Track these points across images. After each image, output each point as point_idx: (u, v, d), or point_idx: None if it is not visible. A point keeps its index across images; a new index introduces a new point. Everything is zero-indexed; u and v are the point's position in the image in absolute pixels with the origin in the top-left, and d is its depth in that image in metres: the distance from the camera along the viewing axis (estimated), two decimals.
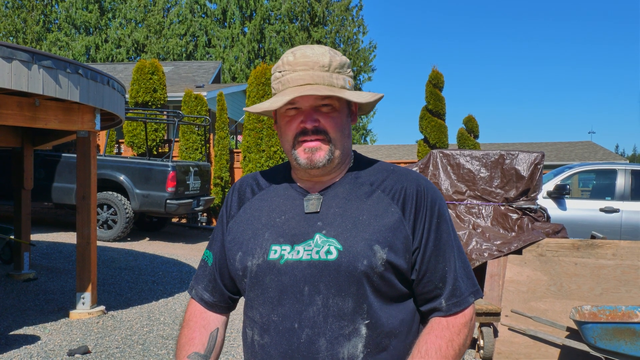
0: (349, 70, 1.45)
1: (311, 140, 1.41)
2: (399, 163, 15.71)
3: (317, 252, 1.35)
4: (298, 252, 1.37)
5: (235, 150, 15.09)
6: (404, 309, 1.40)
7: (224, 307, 1.59)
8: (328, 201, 1.43)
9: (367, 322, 1.34)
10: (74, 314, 5.97)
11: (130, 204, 10.72)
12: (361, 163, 1.52)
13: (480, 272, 6.12)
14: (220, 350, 1.56)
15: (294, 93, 1.37)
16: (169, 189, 10.58)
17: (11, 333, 5.43)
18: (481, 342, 5.35)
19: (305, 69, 1.39)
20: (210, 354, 1.50)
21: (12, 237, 7.70)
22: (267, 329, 1.38)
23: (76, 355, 4.89)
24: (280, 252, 1.39)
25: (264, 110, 1.46)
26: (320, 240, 1.36)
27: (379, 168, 1.49)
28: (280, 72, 1.43)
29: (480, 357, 5.37)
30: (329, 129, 1.41)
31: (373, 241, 1.34)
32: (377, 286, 1.34)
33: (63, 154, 10.92)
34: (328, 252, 1.35)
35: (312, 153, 1.41)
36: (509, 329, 5.21)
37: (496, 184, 6.60)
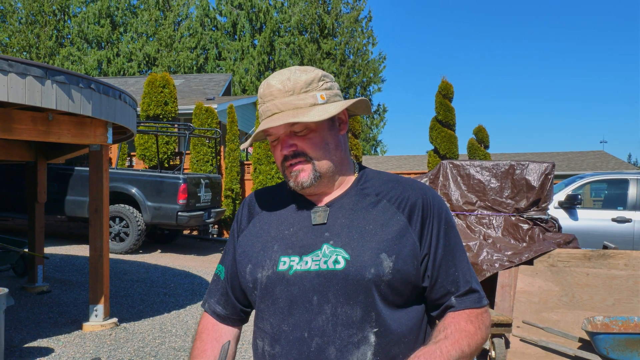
0: (322, 82, 1.47)
1: (294, 164, 1.46)
2: (409, 174, 15.70)
3: (325, 262, 1.38)
4: (306, 262, 1.40)
5: (246, 162, 15.16)
6: (412, 316, 1.42)
7: (236, 319, 1.62)
8: (335, 212, 1.45)
9: (375, 330, 1.35)
10: (87, 326, 6.01)
11: (142, 216, 10.79)
12: (367, 174, 1.55)
13: (491, 283, 6.10)
14: None
15: (260, 127, 1.45)
16: (181, 202, 10.64)
17: (25, 345, 5.48)
18: (493, 353, 5.33)
19: (270, 99, 1.45)
20: None
21: (26, 250, 7.78)
22: (278, 339, 1.40)
23: None
24: (289, 263, 1.41)
25: (253, 142, 1.54)
26: (328, 250, 1.39)
27: (384, 179, 1.52)
28: (259, 105, 1.51)
29: None
30: (307, 149, 1.45)
31: (380, 250, 1.37)
32: (385, 294, 1.36)
33: (76, 168, 11.02)
34: (336, 261, 1.37)
35: (296, 176, 1.46)
36: (521, 340, 5.19)
37: (507, 194, 6.60)
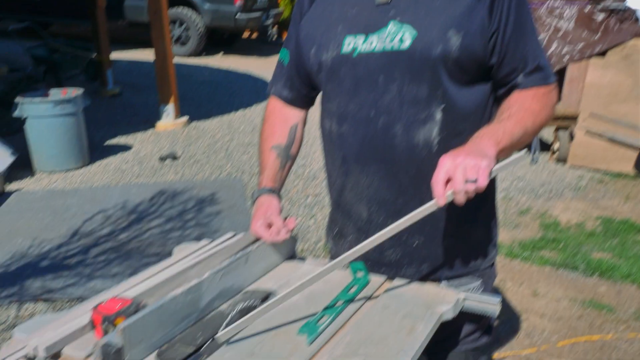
0: None
1: None
2: None
3: (391, 40, 1.35)
4: (371, 42, 1.37)
5: None
6: (478, 94, 1.41)
7: (303, 102, 1.64)
8: None
9: (442, 106, 1.35)
10: (160, 125, 6.31)
11: (201, 19, 10.71)
12: None
13: (559, 77, 5.95)
14: (299, 143, 1.65)
15: None
16: (238, 3, 10.45)
17: (105, 143, 5.85)
18: (556, 146, 5.37)
19: None
20: (291, 146, 1.61)
21: (94, 54, 7.97)
22: (345, 118, 1.43)
23: (166, 161, 5.26)
24: (353, 44, 1.39)
25: None
26: (395, 27, 1.35)
27: None
28: None
29: (554, 160, 5.42)
30: None
31: (447, 26, 1.32)
32: (452, 71, 1.34)
33: None
34: (402, 40, 1.34)
35: None
36: (586, 133, 5.18)
37: None
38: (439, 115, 1.36)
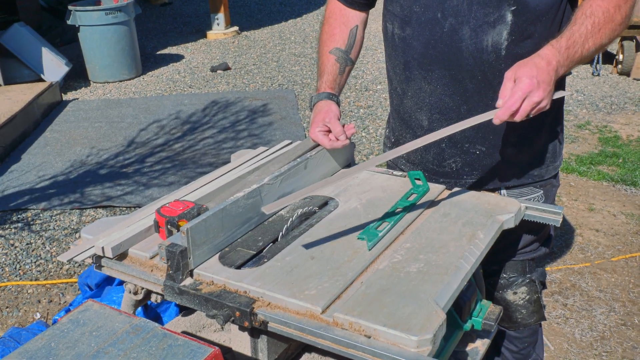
0: None
1: None
2: None
3: None
4: None
5: None
6: None
7: (363, 3, 1.57)
8: None
9: (513, 8, 1.28)
10: (210, 34, 6.26)
11: None
12: None
13: None
14: (360, 47, 1.58)
15: None
16: None
17: (157, 52, 5.86)
18: (620, 57, 5.12)
19: None
20: (351, 49, 1.54)
21: None
22: (409, 20, 1.37)
23: (218, 71, 5.25)
24: None
25: None
26: None
27: None
28: None
29: (617, 73, 5.19)
30: None
31: None
32: None
33: None
34: None
35: None
36: None
37: None
38: (509, 17, 1.29)
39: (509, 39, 1.31)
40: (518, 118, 1.11)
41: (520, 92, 1.10)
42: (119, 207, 3.21)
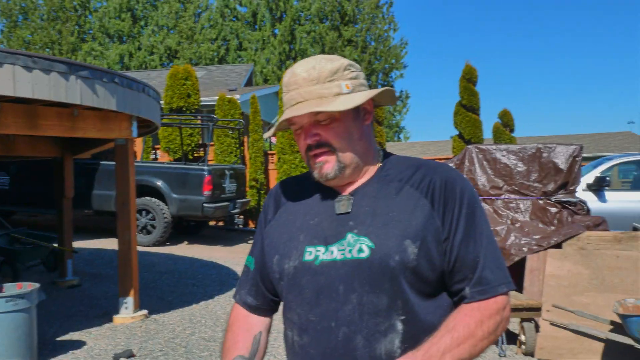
0: (347, 71, 1.45)
1: (318, 155, 1.44)
2: (434, 159, 15.58)
3: (350, 251, 1.37)
4: (332, 252, 1.39)
5: (269, 152, 15.17)
6: (440, 303, 1.40)
7: (267, 309, 1.62)
8: (358, 201, 1.44)
9: (402, 317, 1.34)
10: (117, 318, 6.09)
11: (168, 208, 10.88)
12: (390, 161, 1.52)
13: (519, 267, 6.04)
14: (264, 352, 1.58)
15: (284, 116, 1.44)
16: (206, 193, 10.71)
17: (58, 339, 5.57)
18: (522, 338, 5.29)
19: (295, 88, 1.44)
20: (254, 356, 1.53)
21: (56, 245, 7.90)
22: (306, 329, 1.40)
23: None
24: (315, 253, 1.41)
25: (277, 131, 1.54)
26: (352, 239, 1.38)
27: (407, 164, 1.50)
28: (283, 93, 1.50)
29: (522, 353, 5.31)
30: (330, 140, 1.43)
31: (404, 237, 1.35)
32: (411, 281, 1.34)
33: (102, 162, 11.14)
34: (360, 250, 1.36)
35: (321, 168, 1.45)
36: (551, 324, 5.14)
37: (534, 177, 6.51)
38: (400, 326, 1.34)
39: (402, 347, 1.34)
40: None
41: None
42: None
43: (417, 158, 1.54)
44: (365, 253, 1.35)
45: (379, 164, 1.51)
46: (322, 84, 1.42)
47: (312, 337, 1.39)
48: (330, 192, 1.49)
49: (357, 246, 1.37)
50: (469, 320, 1.32)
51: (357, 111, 1.47)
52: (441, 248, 1.37)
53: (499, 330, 1.36)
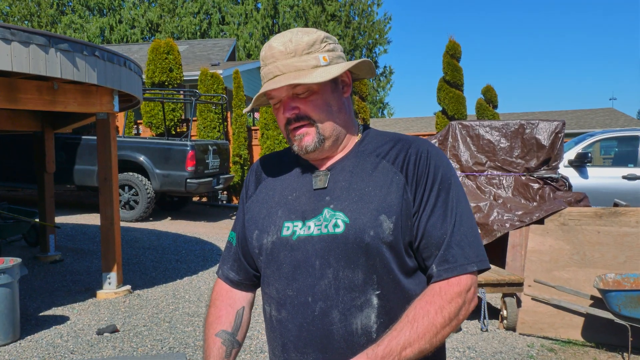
0: (324, 44, 1.44)
1: (298, 127, 1.44)
2: (417, 136, 15.61)
3: (326, 226, 1.37)
4: (309, 227, 1.40)
5: (253, 127, 15.10)
6: (417, 279, 1.40)
7: (250, 285, 1.62)
8: (335, 176, 1.44)
9: (377, 292, 1.35)
10: (100, 293, 6.07)
11: (151, 184, 10.82)
12: (369, 135, 1.52)
13: (502, 243, 6.10)
14: (247, 327, 1.60)
15: (262, 89, 1.44)
16: (189, 169, 10.65)
17: (41, 314, 5.55)
18: (504, 313, 5.36)
19: (272, 61, 1.43)
20: (238, 331, 1.56)
21: (37, 220, 7.83)
22: (284, 303, 1.42)
23: (105, 334, 4.98)
24: (292, 228, 1.42)
25: (255, 106, 1.54)
26: (329, 214, 1.38)
27: (386, 139, 1.50)
28: (261, 68, 1.49)
29: (504, 328, 5.39)
30: (309, 112, 1.43)
31: (379, 212, 1.35)
32: (390, 257, 1.35)
33: (83, 137, 11.02)
34: (335, 225, 1.37)
35: (300, 140, 1.44)
36: (532, 299, 5.21)
37: (517, 154, 6.55)
38: (375, 301, 1.35)
39: (377, 322, 1.35)
40: None
41: None
42: None
43: (396, 133, 1.53)
44: (341, 228, 1.36)
45: (358, 138, 1.51)
46: (299, 56, 1.41)
47: (289, 311, 1.40)
48: (308, 168, 1.50)
49: (332, 221, 1.37)
50: (429, 308, 1.30)
51: (336, 83, 1.46)
52: (411, 223, 1.37)
53: (462, 314, 1.33)
